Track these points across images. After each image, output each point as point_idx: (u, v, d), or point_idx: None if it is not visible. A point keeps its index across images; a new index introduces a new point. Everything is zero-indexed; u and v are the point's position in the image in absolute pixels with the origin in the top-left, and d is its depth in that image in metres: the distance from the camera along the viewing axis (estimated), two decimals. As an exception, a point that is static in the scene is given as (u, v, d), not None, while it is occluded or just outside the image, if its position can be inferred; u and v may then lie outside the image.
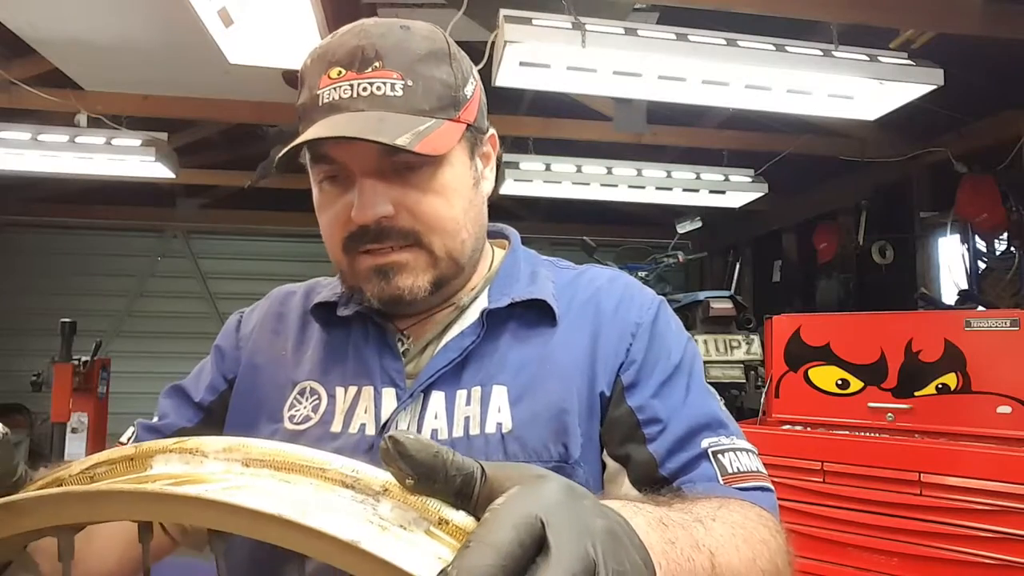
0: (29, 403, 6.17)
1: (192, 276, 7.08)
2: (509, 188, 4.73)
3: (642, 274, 4.74)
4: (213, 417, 0.87)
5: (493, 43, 2.58)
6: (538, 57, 2.60)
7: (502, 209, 6.90)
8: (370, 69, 0.73)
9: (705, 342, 4.01)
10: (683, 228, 5.26)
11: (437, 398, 0.78)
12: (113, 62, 3.60)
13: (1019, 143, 3.93)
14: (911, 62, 2.85)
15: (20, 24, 3.23)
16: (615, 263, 4.62)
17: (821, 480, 2.48)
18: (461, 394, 0.78)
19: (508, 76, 2.73)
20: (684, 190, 4.87)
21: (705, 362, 3.92)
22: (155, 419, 0.88)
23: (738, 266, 6.25)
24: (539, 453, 0.75)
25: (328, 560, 0.31)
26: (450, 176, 0.78)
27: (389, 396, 0.79)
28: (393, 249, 0.77)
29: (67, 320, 4.56)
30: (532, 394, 0.77)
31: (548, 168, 4.66)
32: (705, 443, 0.74)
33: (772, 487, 0.74)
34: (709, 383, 0.84)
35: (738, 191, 4.91)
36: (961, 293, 4.28)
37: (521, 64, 2.63)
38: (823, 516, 2.45)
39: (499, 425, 0.76)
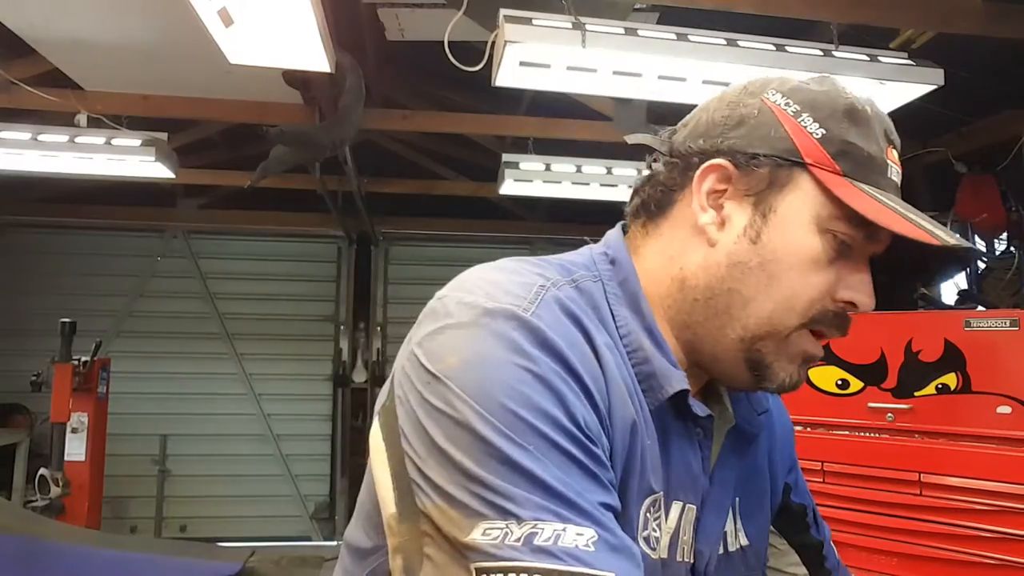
0: (29, 403, 6.15)
1: (192, 276, 7.07)
2: (509, 188, 4.72)
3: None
4: None
5: (493, 43, 2.58)
6: (538, 57, 2.60)
7: (502, 209, 6.90)
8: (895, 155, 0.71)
9: (705, 342, 4.00)
10: (683, 228, 5.24)
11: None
12: (113, 62, 3.60)
13: (1019, 143, 3.93)
14: (911, 62, 2.84)
15: (20, 24, 3.23)
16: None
17: (821, 480, 2.48)
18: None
19: (508, 76, 2.72)
20: (684, 190, 4.85)
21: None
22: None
23: (738, 266, 6.24)
24: (761, 562, 0.80)
25: None
26: None
27: (689, 513, 0.69)
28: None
29: (67, 320, 4.56)
30: (756, 508, 0.80)
31: (548, 168, 4.64)
32: (811, 512, 0.93)
33: None
34: None
35: (738, 191, 4.88)
36: (961, 293, 4.28)
37: (521, 64, 2.63)
38: (823, 516, 2.45)
39: (739, 539, 0.77)
